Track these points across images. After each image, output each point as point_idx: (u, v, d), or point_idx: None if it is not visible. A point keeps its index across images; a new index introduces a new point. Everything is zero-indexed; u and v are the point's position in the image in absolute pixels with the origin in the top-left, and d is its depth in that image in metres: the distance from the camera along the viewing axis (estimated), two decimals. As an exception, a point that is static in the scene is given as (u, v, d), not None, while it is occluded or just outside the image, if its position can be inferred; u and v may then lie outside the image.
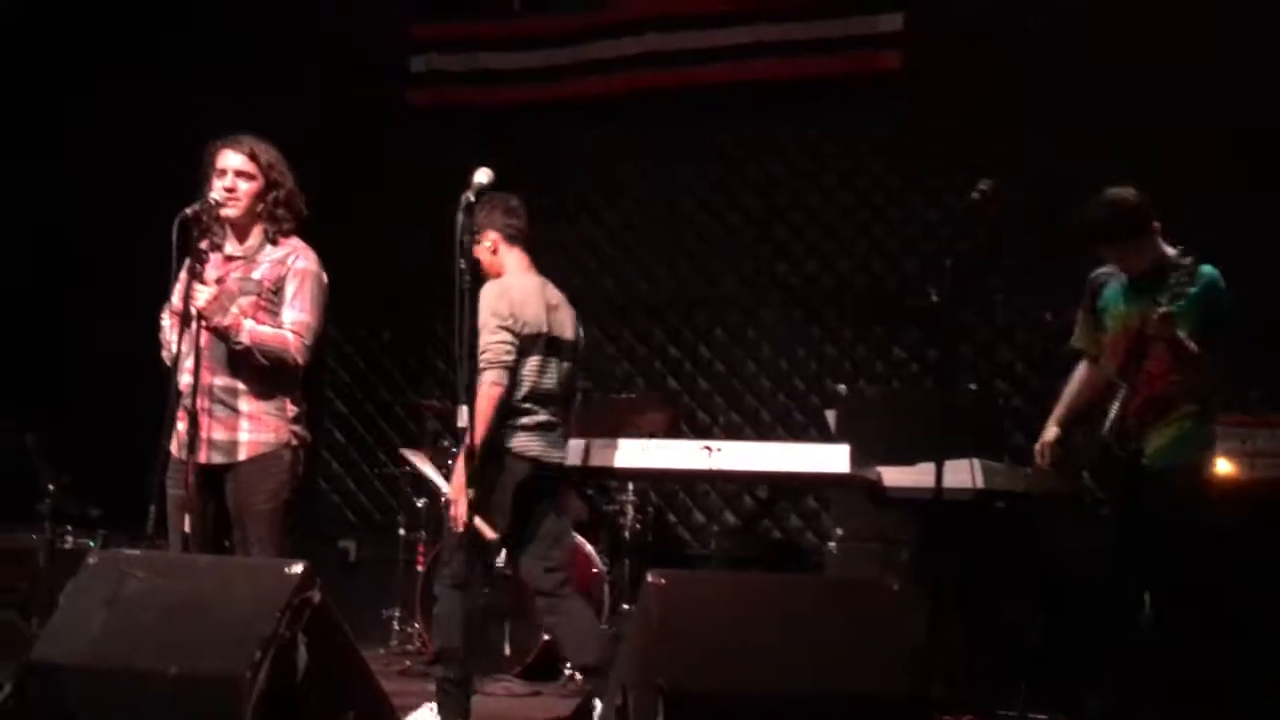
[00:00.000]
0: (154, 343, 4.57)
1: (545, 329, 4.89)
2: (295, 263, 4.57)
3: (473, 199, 4.13)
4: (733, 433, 7.73)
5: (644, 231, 8.10)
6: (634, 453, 5.01)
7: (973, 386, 6.65)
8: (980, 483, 5.14)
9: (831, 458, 4.78)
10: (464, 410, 4.05)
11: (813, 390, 7.68)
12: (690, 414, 7.81)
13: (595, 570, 6.63)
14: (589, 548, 6.69)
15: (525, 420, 4.84)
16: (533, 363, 4.88)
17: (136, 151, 7.92)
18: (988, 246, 6.49)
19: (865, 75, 7.45)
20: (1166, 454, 4.59)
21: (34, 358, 7.65)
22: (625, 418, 6.84)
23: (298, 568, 3.49)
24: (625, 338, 8.12)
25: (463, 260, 4.06)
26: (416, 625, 6.51)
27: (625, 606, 6.54)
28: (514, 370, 4.81)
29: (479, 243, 5.02)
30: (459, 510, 4.68)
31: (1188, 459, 4.65)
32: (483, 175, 4.18)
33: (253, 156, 4.57)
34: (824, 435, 7.14)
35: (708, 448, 4.85)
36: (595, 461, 5.01)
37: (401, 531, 7.10)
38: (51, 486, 5.66)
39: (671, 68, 7.93)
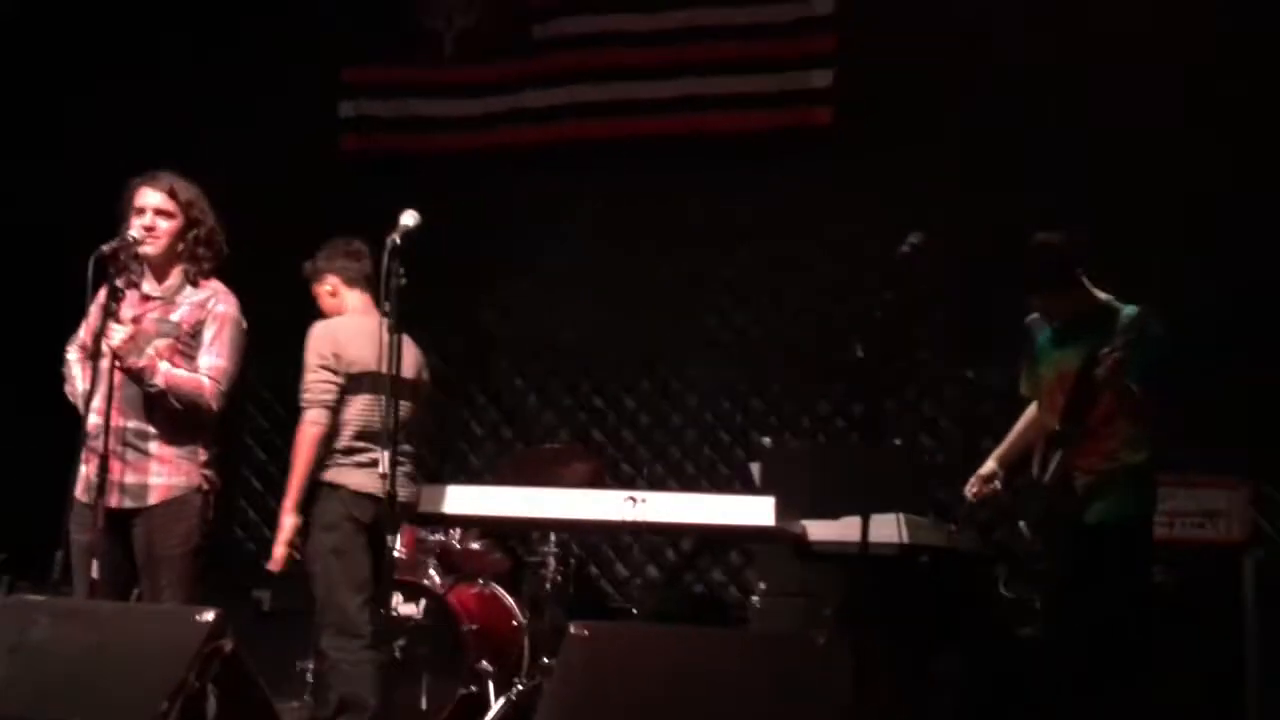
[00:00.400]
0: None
1: (373, 367, 4.88)
2: (215, 306, 4.49)
3: (398, 241, 4.09)
4: (656, 485, 7.65)
5: (573, 281, 8.02)
6: (557, 503, 4.93)
7: (897, 442, 6.65)
8: (905, 537, 5.12)
9: (757, 510, 4.72)
10: (384, 456, 4.00)
11: (738, 443, 7.63)
12: (614, 465, 7.74)
13: (516, 623, 6.52)
14: (509, 599, 6.60)
15: (360, 458, 4.91)
16: (361, 401, 4.94)
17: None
18: (915, 301, 6.52)
19: (797, 130, 7.47)
20: (1112, 510, 4.58)
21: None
22: (549, 468, 6.77)
23: (209, 615, 3.40)
24: (551, 387, 8.04)
25: (387, 304, 4.03)
26: (331, 678, 6.33)
27: (545, 660, 6.44)
28: (336, 410, 4.91)
29: (320, 285, 5.25)
30: (278, 553, 4.96)
31: (1132, 514, 4.64)
32: (409, 218, 4.16)
33: (172, 194, 4.51)
34: (748, 488, 7.12)
35: (632, 499, 4.78)
36: (517, 512, 4.93)
37: (318, 581, 6.94)
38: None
39: (603, 119, 7.90)
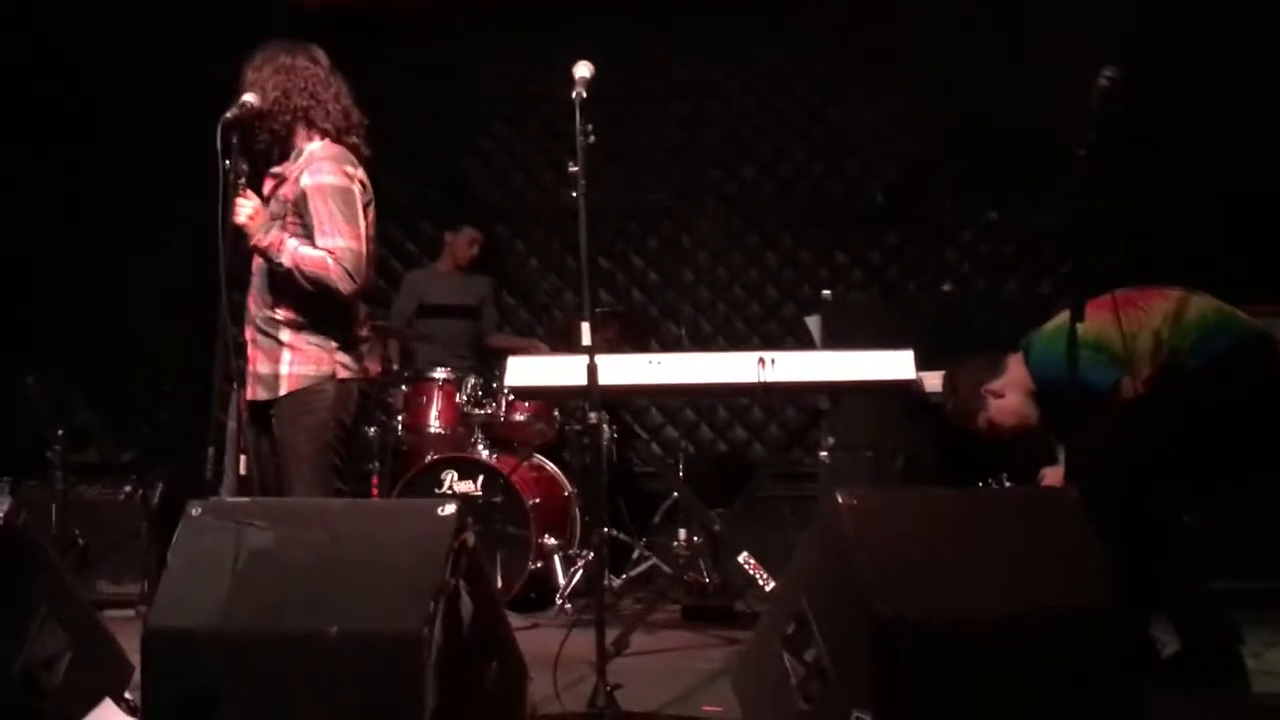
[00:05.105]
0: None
1: None
2: (304, 179, 4.07)
3: (585, 95, 3.82)
4: (669, 346, 7.47)
5: (566, 140, 7.68)
6: (685, 368, 4.68)
7: (946, 288, 6.57)
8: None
9: (897, 364, 4.55)
10: (585, 327, 3.78)
11: (755, 299, 7.50)
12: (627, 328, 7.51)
13: (566, 494, 6.39)
14: (558, 471, 6.45)
15: None
16: None
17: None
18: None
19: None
20: None
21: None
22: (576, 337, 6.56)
23: (450, 509, 3.16)
24: (554, 250, 7.78)
25: (575, 164, 3.79)
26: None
27: (604, 530, 6.31)
28: None
29: None
30: None
31: None
32: (584, 69, 3.89)
33: (254, 64, 4.18)
34: (766, 344, 7.02)
35: (762, 360, 4.59)
36: (643, 379, 4.66)
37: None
38: (60, 433, 5.06)
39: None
